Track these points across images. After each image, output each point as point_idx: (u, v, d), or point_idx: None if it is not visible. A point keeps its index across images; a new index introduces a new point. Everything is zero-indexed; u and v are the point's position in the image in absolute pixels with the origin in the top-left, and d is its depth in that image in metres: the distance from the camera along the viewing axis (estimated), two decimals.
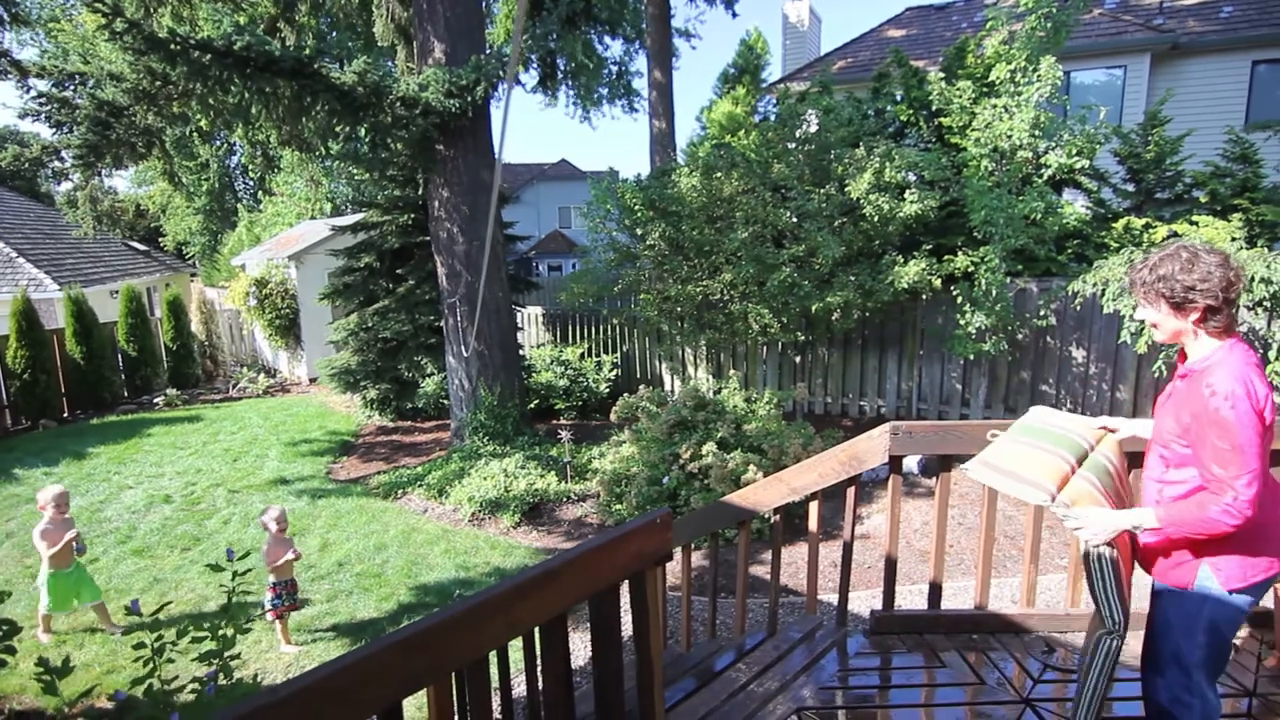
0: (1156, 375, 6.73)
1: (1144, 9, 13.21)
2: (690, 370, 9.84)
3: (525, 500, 6.69)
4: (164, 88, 6.96)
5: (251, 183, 28.85)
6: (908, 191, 7.49)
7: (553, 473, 7.27)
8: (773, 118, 10.62)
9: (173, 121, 7.77)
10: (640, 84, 19.36)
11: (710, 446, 6.02)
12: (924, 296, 7.96)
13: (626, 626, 1.84)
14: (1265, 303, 5.89)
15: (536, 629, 1.66)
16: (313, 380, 12.83)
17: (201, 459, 8.47)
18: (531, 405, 9.43)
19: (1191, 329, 1.89)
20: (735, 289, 8.23)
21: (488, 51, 8.09)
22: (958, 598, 4.57)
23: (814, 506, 3.12)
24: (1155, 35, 12.08)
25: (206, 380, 13.66)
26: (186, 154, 22.66)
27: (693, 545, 4.63)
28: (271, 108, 6.95)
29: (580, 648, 4.25)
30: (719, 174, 8.34)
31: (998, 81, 7.25)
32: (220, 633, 3.02)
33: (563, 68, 17.57)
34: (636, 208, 8.62)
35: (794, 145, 8.51)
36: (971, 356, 7.58)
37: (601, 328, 10.62)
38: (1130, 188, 8.41)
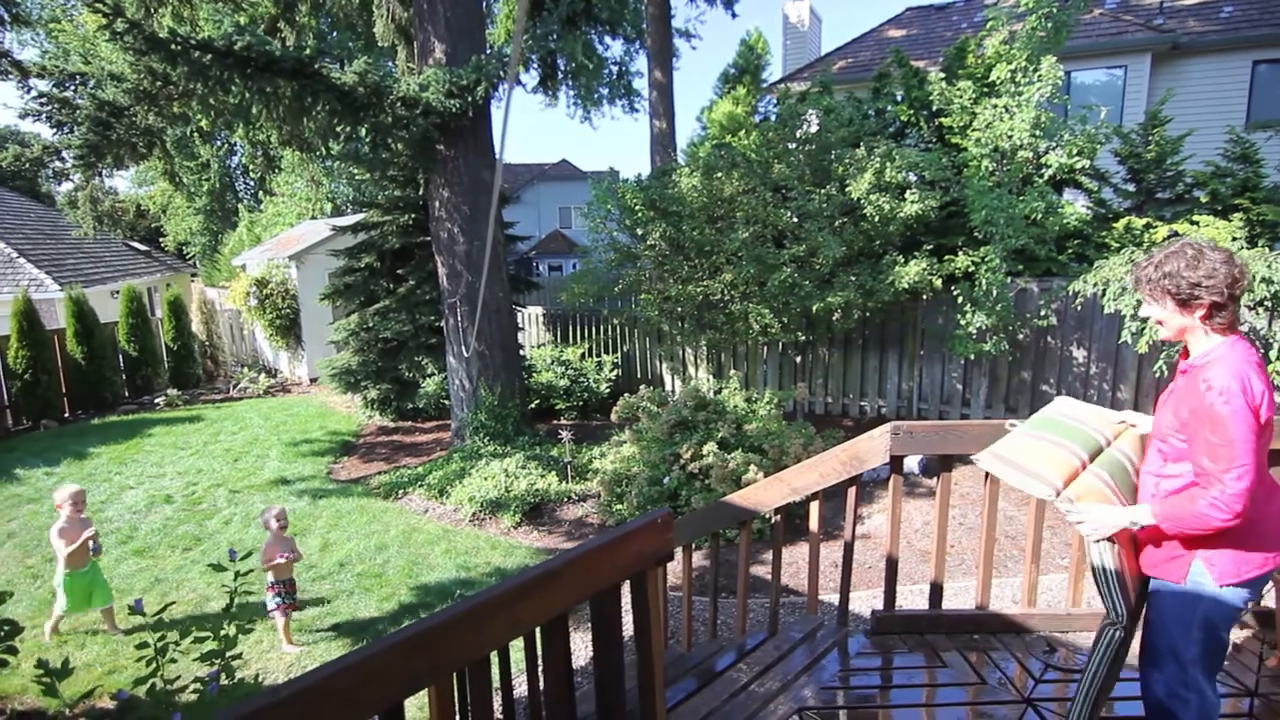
0: (1157, 375, 6.73)
1: (1144, 9, 13.20)
2: (691, 370, 9.84)
3: (526, 500, 6.70)
4: (165, 88, 6.96)
5: (252, 183, 28.88)
6: (908, 191, 7.48)
7: (553, 473, 7.27)
8: (773, 118, 10.62)
9: (173, 122, 7.78)
10: (641, 84, 19.36)
11: (711, 446, 6.02)
12: (924, 296, 7.96)
13: (627, 626, 1.84)
14: (1266, 302, 5.89)
15: (538, 629, 1.66)
16: (313, 380, 12.84)
17: (202, 459, 8.47)
18: (532, 405, 9.43)
19: (1197, 325, 1.91)
20: (736, 289, 8.23)
21: (488, 52, 8.09)
22: (959, 598, 4.57)
23: (815, 506, 3.12)
24: (1156, 35, 12.07)
25: (207, 380, 13.67)
26: (187, 154, 22.67)
27: (694, 545, 4.63)
28: (272, 108, 6.95)
29: (581, 648, 4.25)
30: (719, 174, 8.34)
31: (998, 81, 7.25)
32: (222, 633, 3.02)
33: (563, 68, 17.56)
34: (637, 208, 8.62)
35: (794, 145, 8.51)
36: (972, 356, 7.58)
37: (602, 328, 10.63)
38: (1131, 188, 8.41)
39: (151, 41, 6.22)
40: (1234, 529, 1.82)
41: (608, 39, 17.77)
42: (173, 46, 6.23)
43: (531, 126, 78.73)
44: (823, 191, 7.82)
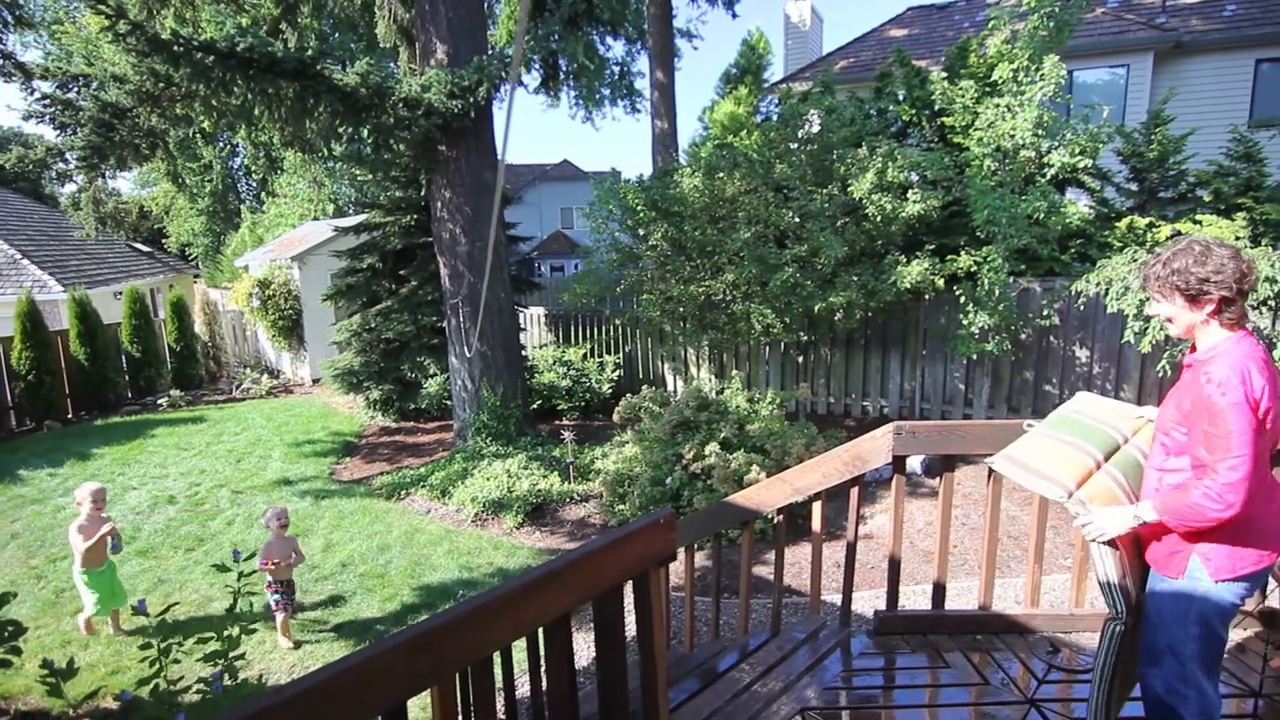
0: (1160, 375, 6.72)
1: (1147, 8, 13.18)
2: (693, 370, 9.84)
3: (528, 501, 6.70)
4: (167, 89, 6.98)
5: (254, 184, 28.91)
6: (910, 191, 7.48)
7: (555, 473, 7.28)
8: (775, 118, 10.62)
9: (176, 123, 7.79)
10: (642, 84, 19.32)
11: (713, 447, 6.02)
12: (927, 296, 7.95)
13: (630, 627, 1.84)
14: (1270, 302, 5.88)
15: (540, 629, 1.66)
16: (316, 381, 12.85)
17: (205, 460, 8.49)
18: (534, 406, 9.43)
19: (1206, 321, 1.92)
20: (738, 289, 8.23)
21: (490, 52, 8.10)
22: (962, 598, 4.56)
23: (817, 507, 3.11)
24: (1158, 34, 12.05)
25: (210, 381, 13.70)
26: (190, 155, 22.67)
27: (696, 545, 4.63)
28: (274, 109, 6.97)
29: (584, 648, 4.26)
30: (721, 174, 8.34)
31: (1000, 81, 7.24)
32: (226, 633, 3.03)
33: (565, 68, 17.55)
34: (639, 208, 8.63)
35: (796, 145, 8.50)
36: (974, 356, 7.57)
37: (604, 328, 10.63)
38: (1133, 187, 8.39)
39: (154, 43, 6.23)
40: (1232, 525, 1.83)
41: (609, 39, 17.73)
42: (175, 48, 6.24)
43: (533, 127, 78.86)
44: (825, 191, 7.81)
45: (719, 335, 8.64)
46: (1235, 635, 2.83)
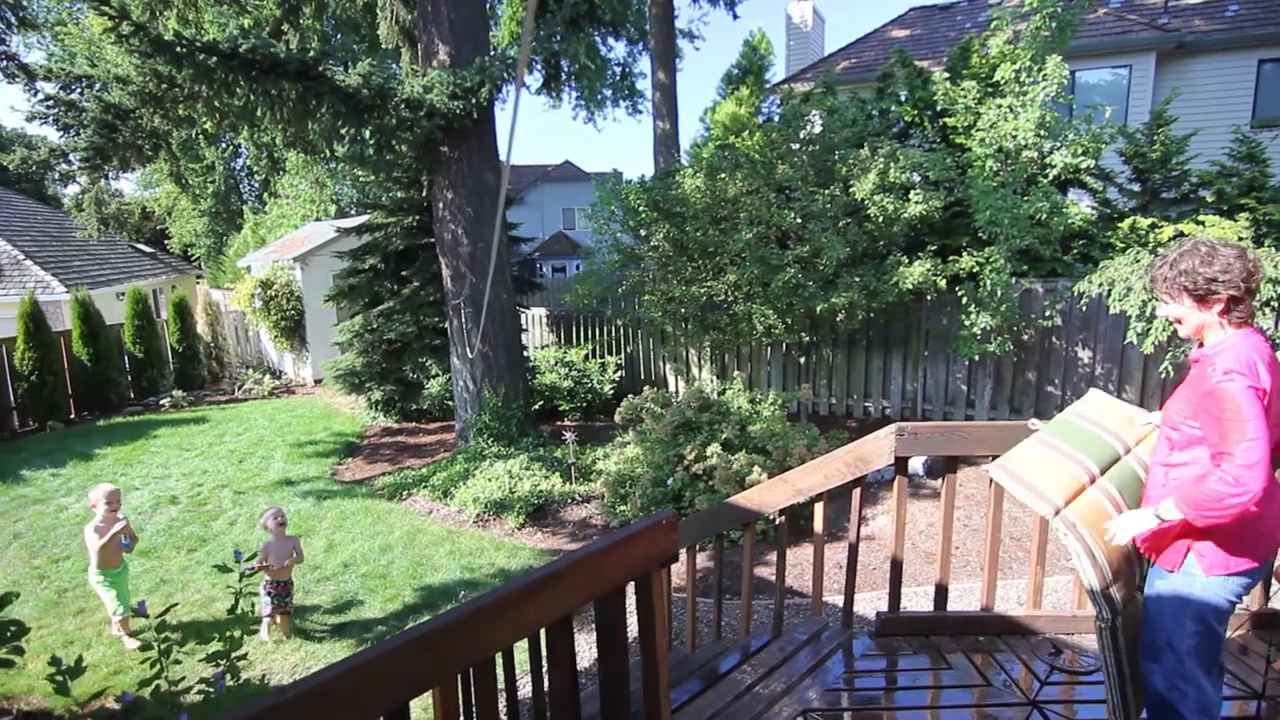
0: (1163, 375, 6.70)
1: (1149, 8, 13.16)
2: (694, 371, 9.84)
3: (530, 501, 6.70)
4: (170, 90, 6.99)
5: (257, 185, 28.96)
6: (912, 192, 7.47)
7: (557, 474, 7.28)
8: (777, 118, 10.61)
9: (179, 124, 7.80)
10: (644, 85, 19.32)
11: (715, 448, 6.02)
12: (929, 297, 7.94)
13: (632, 628, 1.84)
14: (1273, 303, 5.87)
15: (542, 630, 1.66)
16: (318, 382, 12.87)
17: (207, 460, 8.50)
18: (536, 407, 9.43)
19: (1215, 321, 1.93)
20: (739, 290, 8.23)
21: (492, 54, 8.11)
22: (964, 599, 4.56)
23: (819, 508, 3.11)
24: (1161, 34, 12.03)
25: (212, 382, 13.71)
26: (192, 156, 22.75)
27: (697, 547, 4.63)
28: (277, 110, 6.98)
29: (586, 649, 4.25)
30: (723, 175, 8.34)
31: (1002, 81, 7.23)
32: (228, 634, 3.03)
33: (567, 69, 17.56)
34: (640, 209, 8.63)
35: (798, 146, 8.50)
36: (977, 357, 7.56)
37: (606, 329, 10.63)
38: (1136, 187, 8.38)
39: (157, 44, 6.24)
40: (1229, 523, 1.83)
41: (611, 40, 17.72)
42: (178, 49, 6.25)
43: (535, 128, 78.91)
44: (826, 192, 7.81)
45: (721, 336, 8.64)
46: (1237, 637, 2.82)
